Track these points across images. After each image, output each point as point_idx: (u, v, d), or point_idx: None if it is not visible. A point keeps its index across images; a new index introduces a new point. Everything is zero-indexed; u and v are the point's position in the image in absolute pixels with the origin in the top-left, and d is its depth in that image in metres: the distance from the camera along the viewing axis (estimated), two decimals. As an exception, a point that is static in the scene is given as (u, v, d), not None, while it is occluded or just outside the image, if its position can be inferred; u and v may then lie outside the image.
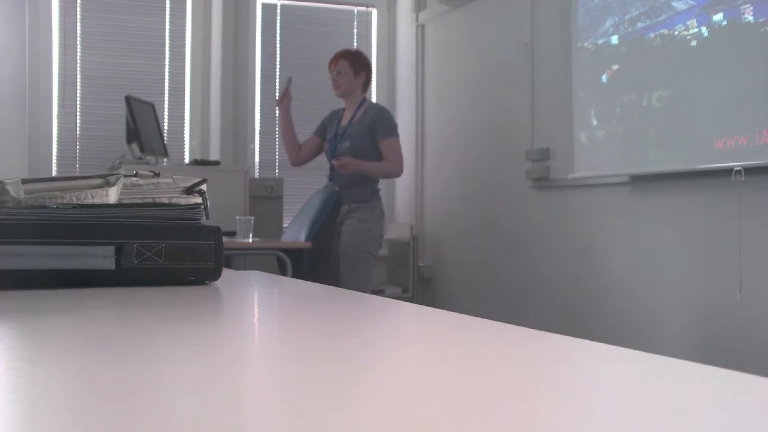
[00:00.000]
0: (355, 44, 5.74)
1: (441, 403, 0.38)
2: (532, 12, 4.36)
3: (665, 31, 3.37)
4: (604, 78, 3.72)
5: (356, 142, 4.10)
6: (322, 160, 4.78)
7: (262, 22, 5.55)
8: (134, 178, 1.11)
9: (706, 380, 0.45)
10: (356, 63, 4.24)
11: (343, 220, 4.09)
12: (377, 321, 0.76)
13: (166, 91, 5.31)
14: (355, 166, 4.07)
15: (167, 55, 5.31)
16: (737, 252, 3.08)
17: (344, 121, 4.23)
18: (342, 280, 4.00)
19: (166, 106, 5.30)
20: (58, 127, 5.08)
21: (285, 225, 4.79)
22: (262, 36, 5.54)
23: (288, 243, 4.12)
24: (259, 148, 5.51)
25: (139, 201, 1.08)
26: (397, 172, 4.20)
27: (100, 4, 5.16)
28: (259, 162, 5.50)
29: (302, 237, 4.13)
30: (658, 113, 3.39)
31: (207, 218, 1.12)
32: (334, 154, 4.16)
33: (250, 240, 3.80)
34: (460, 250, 5.09)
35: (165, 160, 4.58)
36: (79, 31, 5.12)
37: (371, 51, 5.78)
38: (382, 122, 4.12)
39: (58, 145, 5.08)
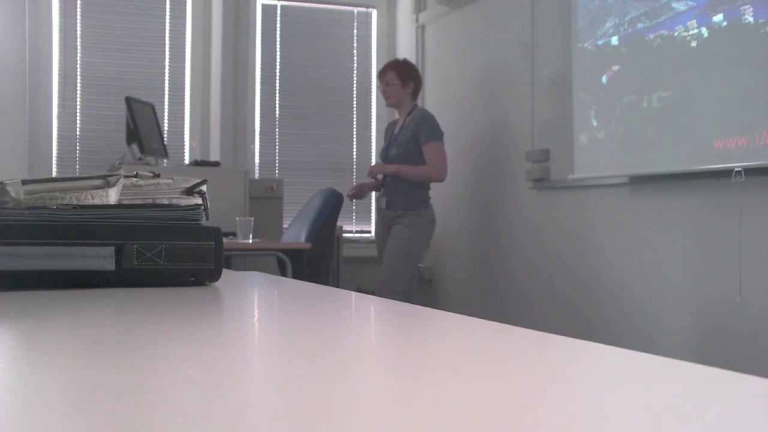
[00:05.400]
0: (354, 45, 5.75)
1: (441, 404, 0.38)
2: (532, 13, 4.36)
3: (665, 32, 3.37)
4: (604, 79, 3.72)
5: (401, 147, 4.20)
6: (323, 162, 4.77)
7: (262, 22, 5.55)
8: (134, 179, 1.11)
9: (706, 381, 0.45)
10: (403, 73, 4.32)
11: (391, 225, 4.21)
12: (378, 322, 0.76)
13: (166, 92, 5.31)
14: (380, 169, 4.24)
15: (167, 56, 5.32)
16: (737, 253, 3.08)
17: (396, 130, 4.35)
18: (378, 278, 4.16)
19: (166, 106, 5.30)
20: (58, 127, 5.08)
21: (285, 226, 4.79)
22: (262, 37, 5.55)
23: (288, 244, 4.12)
24: (259, 148, 5.52)
25: (139, 202, 1.08)
26: (438, 176, 4.22)
27: (100, 5, 5.17)
28: (259, 163, 5.50)
29: (302, 238, 4.13)
30: (658, 114, 3.39)
31: (207, 219, 1.12)
32: (386, 162, 4.29)
33: (250, 241, 3.80)
34: (460, 252, 5.09)
35: (165, 160, 4.59)
36: (79, 32, 5.12)
37: (371, 52, 5.79)
38: (423, 126, 4.19)
39: (58, 145, 5.08)
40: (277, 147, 5.53)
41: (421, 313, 0.79)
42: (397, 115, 4.45)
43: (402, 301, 0.93)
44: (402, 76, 4.30)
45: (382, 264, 4.20)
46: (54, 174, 5.03)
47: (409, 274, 4.19)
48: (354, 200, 4.57)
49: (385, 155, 4.34)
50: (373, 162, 4.80)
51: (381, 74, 4.39)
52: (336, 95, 5.70)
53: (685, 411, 0.37)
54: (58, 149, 5.08)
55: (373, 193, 4.55)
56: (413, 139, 4.17)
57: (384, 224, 4.29)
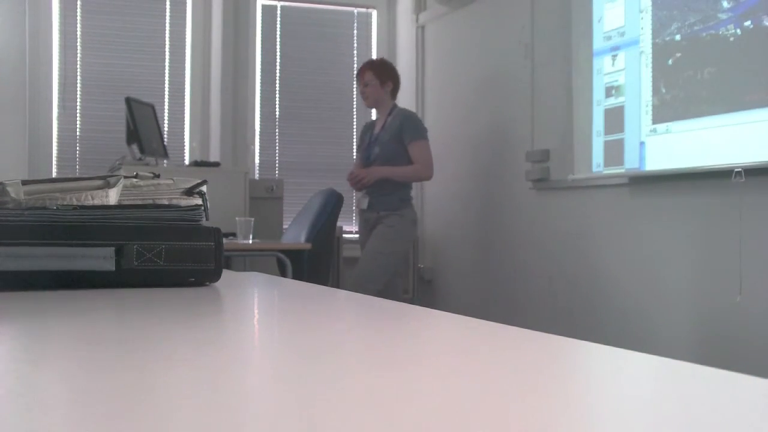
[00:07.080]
0: (355, 45, 5.75)
1: (440, 405, 0.38)
2: (532, 13, 4.36)
3: (665, 32, 3.37)
4: (603, 79, 3.72)
5: (385, 147, 4.17)
6: (323, 162, 4.75)
7: (262, 23, 5.55)
8: (134, 180, 1.11)
9: (706, 382, 0.45)
10: (381, 72, 4.28)
11: (374, 226, 4.18)
12: (377, 322, 0.76)
13: (166, 93, 5.31)
14: (370, 173, 4.14)
15: (167, 57, 5.31)
16: (737, 253, 3.08)
17: (377, 130, 4.30)
18: (352, 276, 4.13)
19: (166, 107, 5.30)
20: (59, 128, 5.08)
21: (285, 226, 4.79)
22: (262, 37, 5.54)
23: (288, 244, 4.12)
24: (259, 149, 5.51)
25: (139, 202, 1.08)
26: (426, 174, 4.23)
27: (100, 5, 5.17)
28: (259, 163, 5.50)
29: (302, 238, 4.13)
30: (658, 114, 3.39)
31: (207, 219, 1.12)
32: (368, 162, 4.23)
33: (250, 241, 3.80)
34: (460, 252, 5.09)
35: (165, 161, 4.59)
36: (79, 33, 5.12)
37: (371, 52, 5.78)
38: (408, 126, 4.17)
39: (58, 146, 5.08)
40: (277, 147, 5.53)
41: (420, 313, 0.79)
42: (374, 116, 4.39)
43: None
44: (380, 76, 4.25)
45: (358, 262, 4.17)
46: (54, 174, 5.02)
47: (386, 274, 4.14)
48: (353, 188, 4.44)
49: (366, 155, 4.27)
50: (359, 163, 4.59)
51: (359, 75, 4.33)
52: (336, 96, 5.70)
53: (685, 411, 0.37)
54: (58, 149, 5.08)
55: (354, 194, 4.47)
56: (397, 139, 4.14)
57: (367, 225, 4.24)
